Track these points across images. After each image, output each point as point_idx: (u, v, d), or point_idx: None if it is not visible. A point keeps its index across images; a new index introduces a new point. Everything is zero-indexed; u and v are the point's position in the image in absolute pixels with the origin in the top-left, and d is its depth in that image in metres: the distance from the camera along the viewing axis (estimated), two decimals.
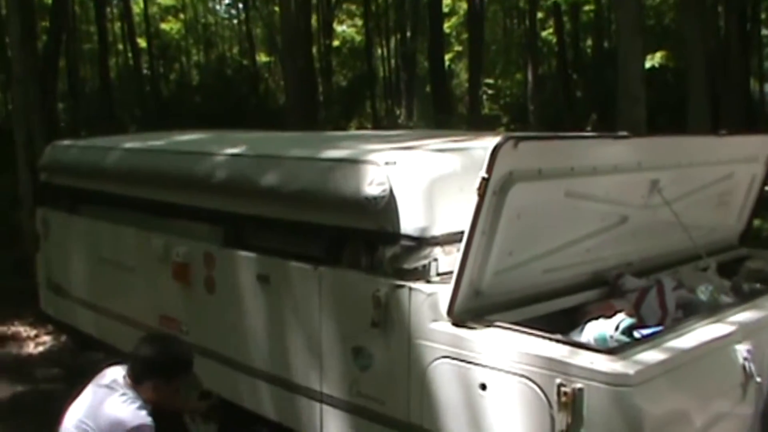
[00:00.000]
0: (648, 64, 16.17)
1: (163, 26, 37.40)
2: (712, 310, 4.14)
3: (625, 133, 4.43)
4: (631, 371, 3.17)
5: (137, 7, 34.10)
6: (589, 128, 23.94)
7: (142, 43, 33.94)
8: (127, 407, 3.94)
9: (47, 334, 9.15)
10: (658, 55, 20.68)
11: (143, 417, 3.92)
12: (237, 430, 5.52)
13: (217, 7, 42.48)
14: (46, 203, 7.84)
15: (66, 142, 8.15)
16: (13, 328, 9.30)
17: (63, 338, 8.64)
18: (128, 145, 6.48)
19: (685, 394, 3.46)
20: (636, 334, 3.74)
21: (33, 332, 9.28)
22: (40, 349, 8.84)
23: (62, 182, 7.39)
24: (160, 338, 4.49)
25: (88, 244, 6.84)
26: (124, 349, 5.26)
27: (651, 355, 3.36)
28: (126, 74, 34.58)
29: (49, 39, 21.26)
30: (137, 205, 6.11)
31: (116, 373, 4.15)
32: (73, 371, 7.68)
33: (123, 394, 4.00)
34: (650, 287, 4.42)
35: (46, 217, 7.59)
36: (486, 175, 3.47)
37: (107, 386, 4.07)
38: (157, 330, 5.55)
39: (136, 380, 4.07)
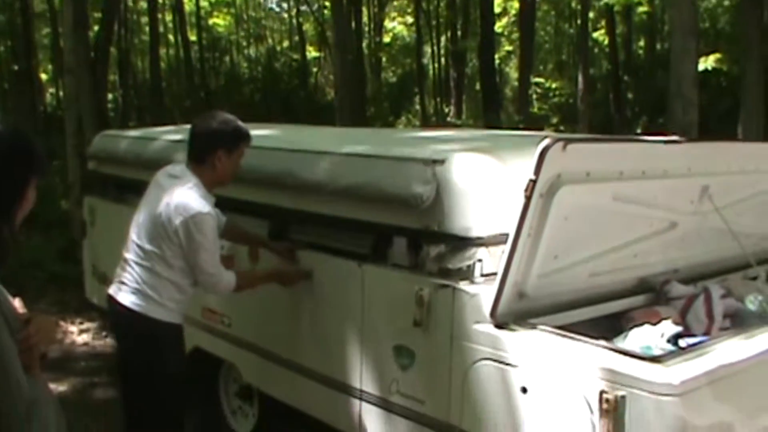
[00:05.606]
0: (701, 67, 15.98)
1: (213, 21, 37.54)
2: (762, 320, 4.07)
3: (676, 138, 4.37)
4: (675, 381, 3.10)
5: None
6: (639, 131, 23.76)
7: (192, 35, 34.14)
8: (193, 195, 4.33)
9: (91, 321, 9.22)
10: (712, 58, 20.44)
11: (207, 207, 4.35)
12: (276, 424, 5.54)
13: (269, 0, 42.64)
14: (93, 192, 7.91)
15: (114, 132, 8.22)
16: (57, 315, 9.35)
17: (107, 325, 8.69)
18: (176, 136, 6.50)
19: (731, 406, 3.39)
20: (682, 343, 3.68)
21: (77, 319, 9.35)
22: (84, 337, 8.91)
23: (110, 171, 7.45)
24: (216, 113, 4.68)
25: None
26: None
27: (697, 365, 3.29)
28: (176, 66, 34.86)
29: (101, 29, 21.46)
30: None
31: (179, 167, 4.57)
32: (114, 362, 7.74)
33: (190, 183, 4.39)
34: (697, 295, 4.34)
35: (93, 206, 7.65)
36: (533, 177, 3.43)
37: (176, 176, 4.48)
38: (201, 322, 5.58)
39: (198, 160, 4.48)
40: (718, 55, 20.99)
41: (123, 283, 4.47)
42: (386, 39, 38.86)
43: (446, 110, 33.59)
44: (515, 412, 3.58)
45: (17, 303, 2.47)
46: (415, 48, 35.99)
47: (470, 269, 3.97)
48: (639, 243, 4.31)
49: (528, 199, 3.46)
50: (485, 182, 4.03)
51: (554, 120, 29.82)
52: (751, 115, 14.43)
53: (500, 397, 3.64)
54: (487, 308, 3.68)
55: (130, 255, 4.47)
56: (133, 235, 4.48)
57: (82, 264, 8.09)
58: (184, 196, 4.32)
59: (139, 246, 4.42)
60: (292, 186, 4.94)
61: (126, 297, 4.43)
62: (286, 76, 32.76)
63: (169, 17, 36.39)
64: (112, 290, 4.56)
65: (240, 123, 4.57)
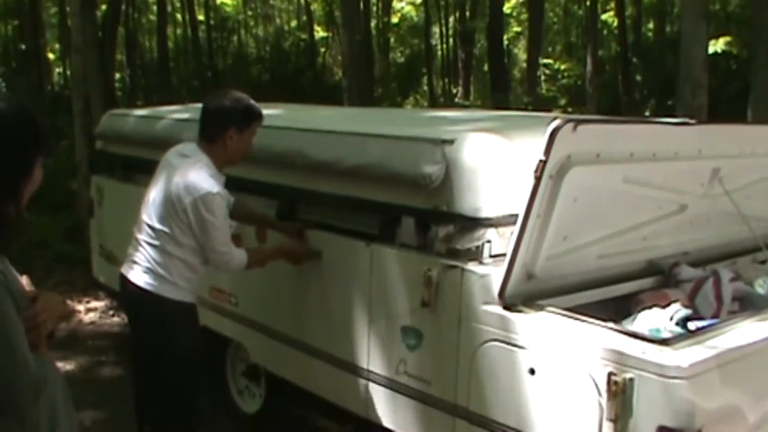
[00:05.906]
0: (710, 50, 15.88)
1: (221, 0, 37.42)
2: None
3: (686, 120, 4.34)
4: (684, 363, 3.10)
5: None
6: (647, 114, 23.68)
7: (200, 15, 34.05)
8: (203, 174, 4.33)
9: (98, 300, 9.24)
10: (722, 41, 20.34)
11: (217, 186, 4.34)
12: (283, 404, 5.55)
13: None
14: (101, 171, 7.91)
15: (122, 111, 8.19)
16: (64, 294, 9.36)
17: (114, 305, 8.71)
18: (183, 115, 6.49)
19: (740, 390, 3.38)
20: (691, 326, 3.67)
21: (84, 298, 9.37)
22: (91, 315, 8.93)
23: (117, 151, 7.44)
24: (228, 91, 4.68)
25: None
26: None
27: (706, 348, 3.28)
28: (184, 45, 34.79)
29: (109, 8, 21.41)
30: None
31: (190, 145, 4.56)
32: (121, 341, 7.76)
33: (200, 162, 4.40)
34: (706, 278, 4.33)
35: (101, 185, 7.65)
36: (543, 158, 3.41)
37: (186, 156, 4.48)
38: (209, 301, 5.57)
39: (209, 139, 4.47)
40: (728, 38, 20.90)
41: (135, 262, 4.48)
42: (394, 19, 38.74)
43: (454, 91, 33.48)
44: (523, 394, 3.57)
45: (24, 280, 2.46)
46: (423, 28, 35.86)
47: (479, 250, 3.95)
48: (648, 225, 4.30)
49: (537, 180, 3.44)
50: (495, 163, 4.02)
51: (562, 102, 29.69)
52: (761, 98, 14.28)
53: (508, 379, 3.64)
54: (495, 289, 3.68)
55: (141, 235, 4.47)
56: (144, 215, 4.48)
57: (90, 243, 8.09)
58: (193, 175, 4.31)
59: (149, 226, 4.42)
60: (301, 165, 4.93)
61: (138, 276, 4.43)
62: (294, 56, 32.64)
63: None
64: (123, 270, 4.56)
65: (252, 102, 4.55)
